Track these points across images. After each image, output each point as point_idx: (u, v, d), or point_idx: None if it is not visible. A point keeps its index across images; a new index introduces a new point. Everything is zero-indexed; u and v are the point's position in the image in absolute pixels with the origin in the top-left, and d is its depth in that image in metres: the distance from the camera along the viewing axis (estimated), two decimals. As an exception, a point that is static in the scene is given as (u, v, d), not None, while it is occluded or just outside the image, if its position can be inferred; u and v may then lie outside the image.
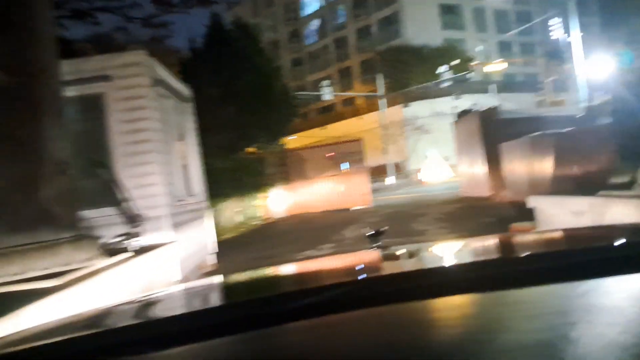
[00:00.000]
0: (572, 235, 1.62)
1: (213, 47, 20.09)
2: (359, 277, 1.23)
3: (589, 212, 4.91)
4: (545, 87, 28.26)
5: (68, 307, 3.08)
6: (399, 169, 37.35)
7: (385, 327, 0.81)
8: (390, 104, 38.75)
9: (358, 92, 45.99)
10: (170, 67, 13.67)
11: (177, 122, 7.73)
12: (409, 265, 1.41)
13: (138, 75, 6.36)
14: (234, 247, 11.31)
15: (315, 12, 54.01)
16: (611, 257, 0.98)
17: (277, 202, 18.50)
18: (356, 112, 43.83)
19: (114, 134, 6.25)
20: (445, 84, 36.19)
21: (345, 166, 18.32)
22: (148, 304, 1.26)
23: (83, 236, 4.30)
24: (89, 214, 5.55)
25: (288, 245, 10.31)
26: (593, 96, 26.18)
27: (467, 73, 34.15)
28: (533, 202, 5.97)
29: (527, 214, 9.00)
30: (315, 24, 54.27)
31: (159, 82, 6.72)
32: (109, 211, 5.79)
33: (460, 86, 37.46)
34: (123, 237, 5.53)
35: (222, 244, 11.48)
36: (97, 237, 4.61)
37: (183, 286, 1.88)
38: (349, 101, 49.24)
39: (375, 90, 38.88)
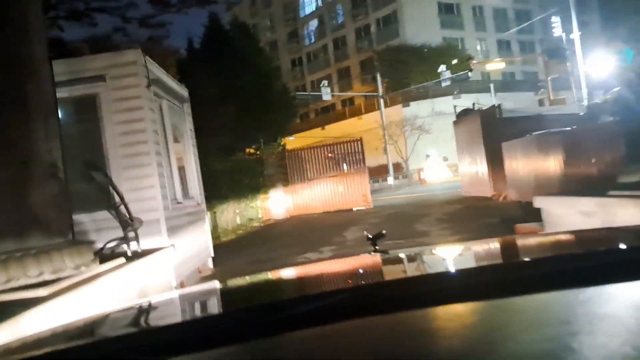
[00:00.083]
0: (575, 238, 1.57)
1: (211, 47, 19.96)
2: (359, 284, 1.21)
3: (599, 212, 4.75)
4: (546, 86, 28.10)
5: (57, 318, 2.92)
6: (398, 169, 37.19)
7: (384, 337, 0.79)
8: (390, 103, 38.61)
9: (357, 92, 45.86)
10: (168, 68, 13.57)
11: (174, 123, 7.57)
12: (408, 271, 1.39)
13: (133, 75, 6.20)
14: (232, 250, 11.15)
15: (314, 12, 53.88)
16: (614, 262, 0.95)
17: (276, 203, 18.35)
18: (356, 112, 43.70)
19: (108, 135, 6.09)
20: (445, 84, 36.01)
21: (345, 166, 18.15)
22: (141, 312, 1.24)
23: (75, 242, 4.14)
24: (82, 218, 5.41)
25: (288, 248, 10.14)
26: (593, 94, 26.06)
27: (466, 72, 33.97)
28: (539, 202, 5.80)
29: (532, 214, 8.86)
30: (314, 24, 54.13)
31: (155, 82, 6.56)
32: (103, 215, 5.63)
33: (460, 85, 37.33)
34: (118, 242, 5.38)
35: (221, 246, 11.33)
36: (91, 243, 4.45)
37: (178, 293, 1.82)
38: (349, 101, 49.12)
39: (374, 90, 38.73)
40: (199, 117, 11.43)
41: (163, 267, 5.67)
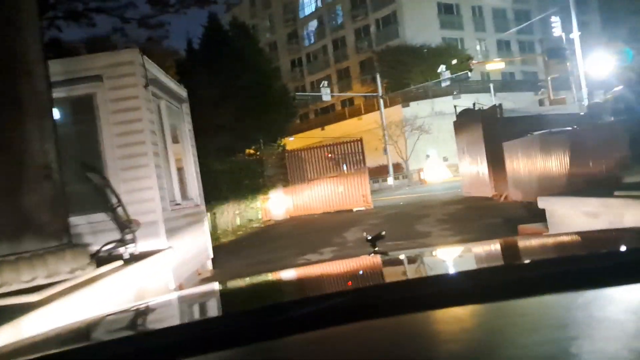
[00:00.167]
0: (575, 240, 1.56)
1: (211, 48, 19.90)
2: (358, 286, 1.20)
3: (605, 213, 4.67)
4: (546, 86, 28.03)
5: (48, 325, 2.83)
6: (398, 169, 37.10)
7: (384, 340, 0.79)
8: (390, 104, 38.52)
9: (357, 92, 45.77)
10: (167, 69, 13.48)
11: (172, 124, 7.48)
12: (408, 273, 1.38)
13: (131, 75, 6.11)
14: (232, 251, 11.06)
15: (314, 13, 53.79)
16: (614, 265, 0.95)
17: (276, 204, 18.27)
18: (355, 113, 43.60)
19: (105, 136, 6.00)
20: (445, 84, 35.91)
21: (345, 167, 18.07)
22: (140, 315, 1.23)
23: (70, 245, 4.05)
24: (78, 220, 5.31)
25: (288, 249, 10.05)
26: (593, 94, 26.00)
27: (466, 72, 33.88)
28: (543, 202, 5.71)
29: (534, 215, 8.77)
30: (313, 24, 54.04)
31: (152, 82, 6.46)
32: (100, 217, 5.54)
33: (460, 85, 37.25)
34: (115, 245, 5.29)
35: (220, 248, 11.24)
36: (86, 246, 4.36)
37: (177, 295, 1.80)
38: (348, 102, 49.03)
39: (374, 91, 38.65)
40: (199, 118, 11.34)
41: (161, 269, 5.58)
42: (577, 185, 7.45)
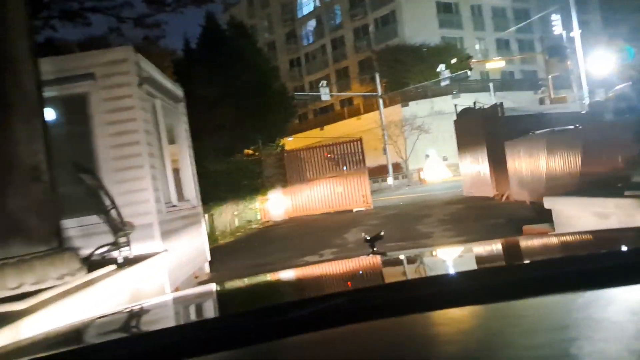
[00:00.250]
0: (575, 240, 1.54)
1: (209, 48, 19.75)
2: (357, 287, 1.19)
3: (616, 214, 4.51)
4: (546, 84, 27.89)
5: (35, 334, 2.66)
6: (398, 169, 36.94)
7: (383, 342, 0.79)
8: (389, 103, 38.36)
9: (356, 92, 45.61)
10: (165, 69, 13.32)
11: (168, 123, 7.31)
12: (406, 274, 1.37)
13: (124, 73, 5.95)
14: (231, 253, 10.90)
15: (312, 12, 53.63)
16: (613, 266, 0.94)
17: (275, 204, 18.11)
18: (354, 113, 43.45)
19: (99, 136, 5.84)
20: (444, 83, 35.75)
21: (345, 167, 17.91)
22: (138, 316, 1.21)
23: (60, 249, 3.88)
24: (70, 223, 5.14)
25: (287, 251, 9.89)
26: (594, 93, 25.87)
27: (465, 71, 33.71)
28: (550, 203, 5.55)
29: (537, 215, 8.62)
30: (312, 24, 53.88)
31: (147, 81, 6.30)
32: (93, 220, 5.37)
33: (459, 85, 37.08)
34: (108, 248, 5.13)
35: (218, 249, 11.08)
36: (77, 250, 4.19)
37: (175, 296, 1.75)
38: (347, 101, 48.87)
39: (373, 90, 38.47)
40: (197, 118, 11.19)
41: (156, 273, 5.42)
42: (583, 185, 7.30)
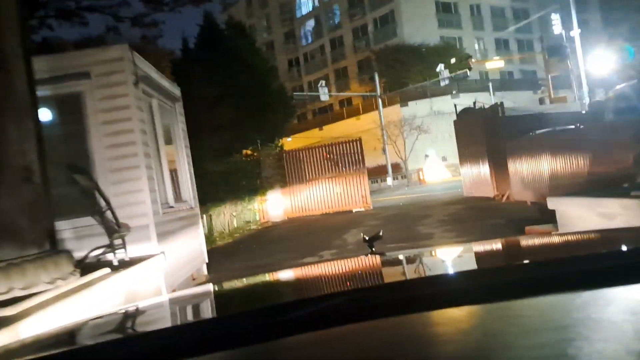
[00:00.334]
0: (575, 240, 1.55)
1: (207, 47, 19.63)
2: (355, 287, 1.18)
3: (622, 214, 4.41)
4: (545, 84, 27.82)
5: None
6: (397, 169, 36.84)
7: (381, 342, 0.78)
8: (388, 103, 38.26)
9: (355, 92, 45.50)
10: (163, 69, 13.20)
11: (165, 123, 7.20)
12: (405, 274, 1.37)
13: (120, 72, 5.84)
14: (229, 254, 10.79)
15: (311, 12, 53.52)
16: (611, 266, 0.94)
17: (274, 205, 18.00)
18: (353, 113, 43.35)
19: (94, 136, 5.73)
20: (443, 83, 35.66)
21: (344, 167, 17.80)
22: (135, 316, 1.21)
23: (53, 252, 3.77)
24: (64, 225, 5.04)
25: (287, 252, 9.79)
26: (594, 92, 25.80)
27: (465, 71, 33.61)
28: (554, 203, 5.44)
29: (538, 215, 8.51)
30: (310, 24, 53.77)
31: (143, 79, 6.19)
32: (87, 221, 5.26)
33: (458, 85, 36.99)
34: (103, 250, 5.02)
35: (216, 251, 10.98)
36: (70, 253, 4.08)
37: (173, 296, 1.71)
38: (346, 102, 48.77)
39: (372, 90, 38.38)
40: (195, 118, 11.09)
41: (152, 276, 5.31)
42: (587, 185, 7.20)
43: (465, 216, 11.58)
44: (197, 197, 8.12)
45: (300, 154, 18.59)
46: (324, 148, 18.60)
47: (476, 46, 45.59)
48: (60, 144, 5.56)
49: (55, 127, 5.73)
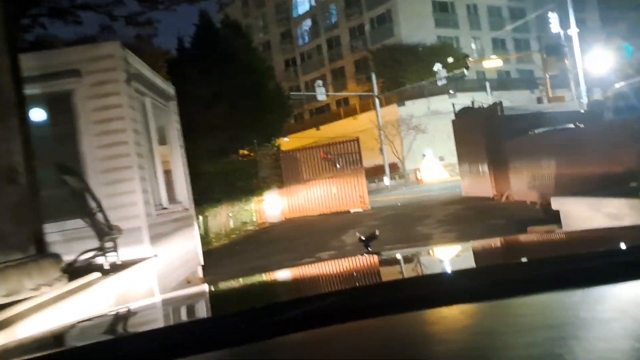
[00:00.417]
0: (573, 238, 1.57)
1: (203, 47, 19.48)
2: (350, 287, 1.18)
3: (630, 215, 4.26)
4: (543, 83, 27.74)
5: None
6: (395, 169, 36.71)
7: (376, 341, 0.78)
8: (385, 103, 38.13)
9: (352, 92, 45.36)
10: (159, 69, 13.04)
11: (158, 123, 7.04)
12: (400, 274, 1.37)
13: (111, 70, 5.67)
14: (225, 256, 10.63)
15: (307, 12, 53.36)
16: (606, 265, 0.93)
17: (271, 205, 17.84)
18: (350, 113, 43.17)
19: (84, 136, 5.56)
20: (441, 82, 35.53)
21: (341, 167, 17.65)
22: (131, 317, 1.21)
23: (39, 257, 3.61)
24: (53, 227, 4.87)
25: (284, 254, 9.63)
26: (592, 91, 25.72)
27: (462, 71, 33.50)
28: (558, 203, 5.29)
29: (539, 215, 8.38)
30: (307, 24, 53.61)
31: (136, 77, 6.02)
32: (77, 224, 5.09)
33: (455, 84, 36.88)
34: (94, 254, 4.85)
35: (212, 252, 10.82)
36: (58, 257, 3.91)
37: (168, 297, 1.66)
38: (344, 101, 48.63)
39: (369, 90, 38.24)
40: (190, 118, 10.93)
41: (145, 279, 5.14)
42: (589, 185, 7.06)
43: (465, 217, 11.44)
44: (192, 198, 7.96)
45: (298, 154, 18.45)
46: (321, 148, 18.46)
47: (473, 46, 45.48)
48: (49, 144, 5.40)
49: (45, 126, 5.57)
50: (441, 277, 1.11)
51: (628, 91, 12.69)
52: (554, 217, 5.62)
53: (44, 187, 4.53)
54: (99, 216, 5.16)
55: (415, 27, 42.15)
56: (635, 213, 4.21)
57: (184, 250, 7.14)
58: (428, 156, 34.85)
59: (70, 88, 5.58)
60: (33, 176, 4.09)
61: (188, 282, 7.25)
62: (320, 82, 37.07)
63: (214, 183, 13.80)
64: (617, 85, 14.26)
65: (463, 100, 22.36)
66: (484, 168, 14.20)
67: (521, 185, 11.63)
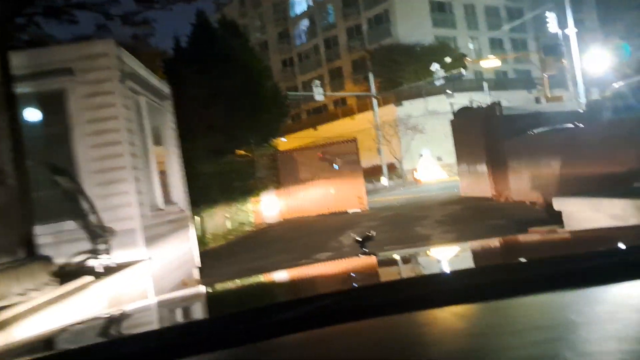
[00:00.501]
0: (572, 238, 1.56)
1: (199, 46, 19.34)
2: (346, 288, 1.18)
3: (635, 216, 4.16)
4: (541, 83, 27.69)
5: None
6: (392, 169, 36.61)
7: (371, 342, 0.78)
8: (383, 103, 38.04)
9: (350, 92, 45.26)
10: (156, 69, 12.89)
11: (153, 122, 6.91)
12: (395, 274, 1.38)
13: (105, 68, 5.53)
14: (222, 257, 10.51)
15: (305, 12, 53.25)
16: (609, 263, 0.94)
17: (269, 206, 17.73)
18: (348, 113, 43.08)
19: (77, 135, 5.42)
20: (438, 82, 35.47)
21: (339, 167, 17.54)
22: (128, 318, 1.20)
23: (28, 260, 3.50)
24: (44, 230, 4.75)
25: (281, 255, 9.52)
26: (590, 91, 25.67)
27: (459, 71, 33.43)
28: (560, 204, 5.19)
29: (540, 216, 8.28)
30: (304, 24, 53.50)
31: (130, 76, 5.90)
32: (70, 225, 4.97)
33: (453, 84, 36.82)
34: (86, 256, 4.74)
35: (209, 253, 10.71)
36: (48, 260, 3.80)
37: (166, 298, 1.65)
38: (341, 101, 48.53)
39: (367, 90, 38.16)
40: (187, 118, 10.80)
41: (139, 282, 5.03)
42: (590, 184, 6.97)
43: (464, 217, 11.34)
44: (188, 198, 7.83)
45: (295, 155, 18.35)
46: (319, 148, 18.36)
47: (471, 46, 45.44)
48: (41, 144, 5.28)
49: (36, 126, 5.44)
50: (437, 277, 1.11)
51: (626, 91, 12.61)
52: (556, 218, 5.52)
53: (35, 188, 4.42)
54: (92, 218, 5.05)
55: (413, 27, 42.08)
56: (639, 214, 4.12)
57: (179, 252, 7.02)
58: (426, 156, 34.77)
59: (63, 87, 5.44)
60: (23, 177, 3.99)
61: (184, 285, 7.14)
62: (317, 82, 36.94)
63: (211, 183, 13.68)
64: (616, 85, 14.19)
65: (460, 100, 22.32)
66: (483, 168, 14.12)
67: (520, 185, 11.54)
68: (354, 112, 42.17)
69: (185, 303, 1.32)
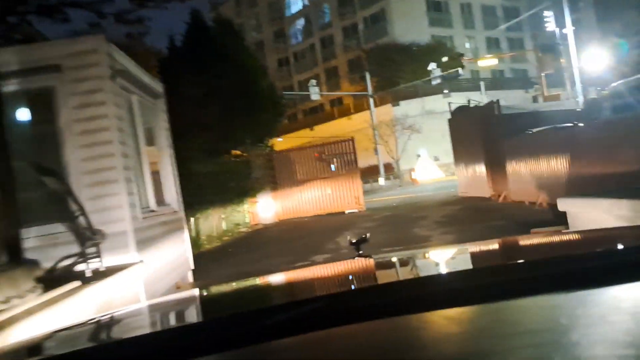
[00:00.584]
0: (571, 239, 1.56)
1: (195, 45, 19.15)
2: (340, 291, 1.18)
3: (644, 217, 4.01)
4: (538, 82, 27.62)
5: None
6: (389, 169, 36.50)
7: (366, 345, 0.78)
8: (379, 103, 37.92)
9: (346, 91, 45.13)
10: (151, 68, 12.72)
11: (146, 121, 6.75)
12: (390, 277, 1.37)
13: (95, 65, 5.38)
14: (217, 259, 10.34)
15: (300, 11, 53.10)
16: (609, 264, 0.93)
17: (265, 207, 17.56)
18: (344, 112, 42.97)
19: (66, 135, 5.26)
20: (435, 82, 35.36)
21: (336, 168, 17.39)
22: (125, 321, 1.19)
23: (10, 266, 3.33)
24: (31, 232, 4.58)
25: (277, 257, 9.36)
26: (588, 90, 25.61)
27: (457, 70, 33.33)
28: (565, 204, 5.04)
29: (540, 216, 8.14)
30: (300, 23, 53.35)
31: (121, 74, 5.74)
32: (58, 228, 4.80)
33: (450, 84, 36.72)
34: (75, 260, 4.57)
35: (204, 255, 10.53)
36: (32, 265, 3.63)
37: (160, 301, 1.63)
38: (337, 101, 48.40)
39: (363, 90, 38.03)
40: (182, 118, 10.64)
41: (131, 287, 4.86)
42: (589, 185, 6.83)
43: (463, 217, 11.20)
44: (181, 199, 7.67)
45: (291, 155, 18.19)
46: (315, 148, 18.20)
47: (467, 45, 45.40)
48: (28, 144, 5.11)
49: (23, 125, 5.27)
50: (432, 280, 1.11)
51: (624, 89, 12.50)
52: (560, 219, 5.38)
53: (21, 190, 4.25)
54: (81, 220, 4.88)
55: (409, 26, 42.01)
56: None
57: (173, 254, 6.85)
58: (423, 156, 34.67)
59: (51, 84, 5.29)
60: (8, 178, 3.82)
61: (178, 288, 6.97)
62: (314, 81, 36.78)
63: (206, 184, 13.51)
64: (614, 84, 14.08)
65: (457, 99, 22.18)
66: (481, 168, 13.99)
67: (519, 185, 11.41)
68: (351, 111, 42.05)
69: (180, 306, 1.32)
